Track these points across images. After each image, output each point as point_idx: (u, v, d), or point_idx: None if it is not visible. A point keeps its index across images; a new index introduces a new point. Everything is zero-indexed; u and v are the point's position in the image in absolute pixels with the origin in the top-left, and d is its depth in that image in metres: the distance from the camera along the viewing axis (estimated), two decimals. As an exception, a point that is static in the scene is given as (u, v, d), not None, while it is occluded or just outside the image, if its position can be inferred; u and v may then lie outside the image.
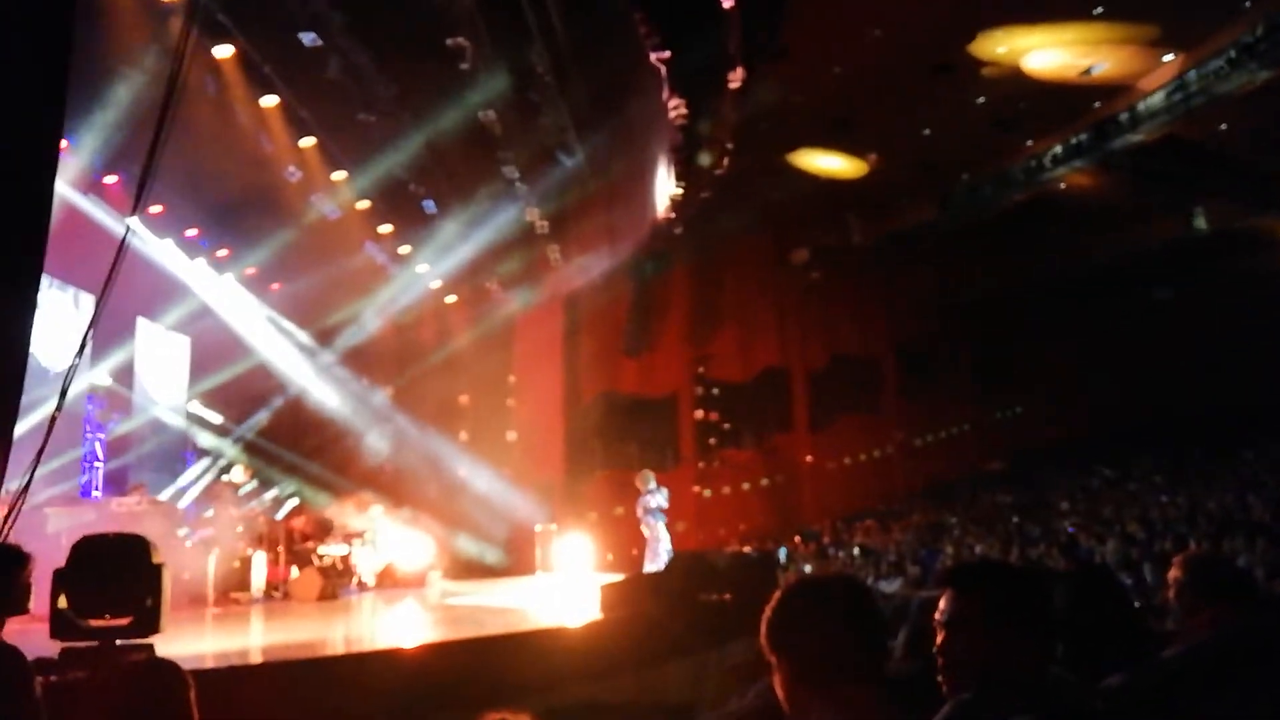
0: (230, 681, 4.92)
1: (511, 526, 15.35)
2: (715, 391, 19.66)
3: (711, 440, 19.67)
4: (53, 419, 4.59)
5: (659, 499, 11.97)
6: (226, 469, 12.92)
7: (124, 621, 4.18)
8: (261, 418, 14.97)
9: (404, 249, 15.29)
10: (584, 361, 18.19)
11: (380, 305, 15.56)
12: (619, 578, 9.31)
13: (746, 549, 16.46)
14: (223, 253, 13.95)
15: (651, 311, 18.95)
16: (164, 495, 12.34)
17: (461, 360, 16.90)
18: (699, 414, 19.67)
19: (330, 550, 12.29)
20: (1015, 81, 14.27)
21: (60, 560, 4.16)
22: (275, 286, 14.80)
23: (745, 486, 20.13)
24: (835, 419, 21.53)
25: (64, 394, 4.64)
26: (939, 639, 1.97)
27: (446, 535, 14.56)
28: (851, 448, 21.65)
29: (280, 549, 11.83)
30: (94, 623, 4.17)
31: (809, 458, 21.21)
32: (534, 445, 17.23)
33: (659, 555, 11.45)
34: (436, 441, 15.74)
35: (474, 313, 17.00)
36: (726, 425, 19.86)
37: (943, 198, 19.20)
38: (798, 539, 18.57)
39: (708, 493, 19.56)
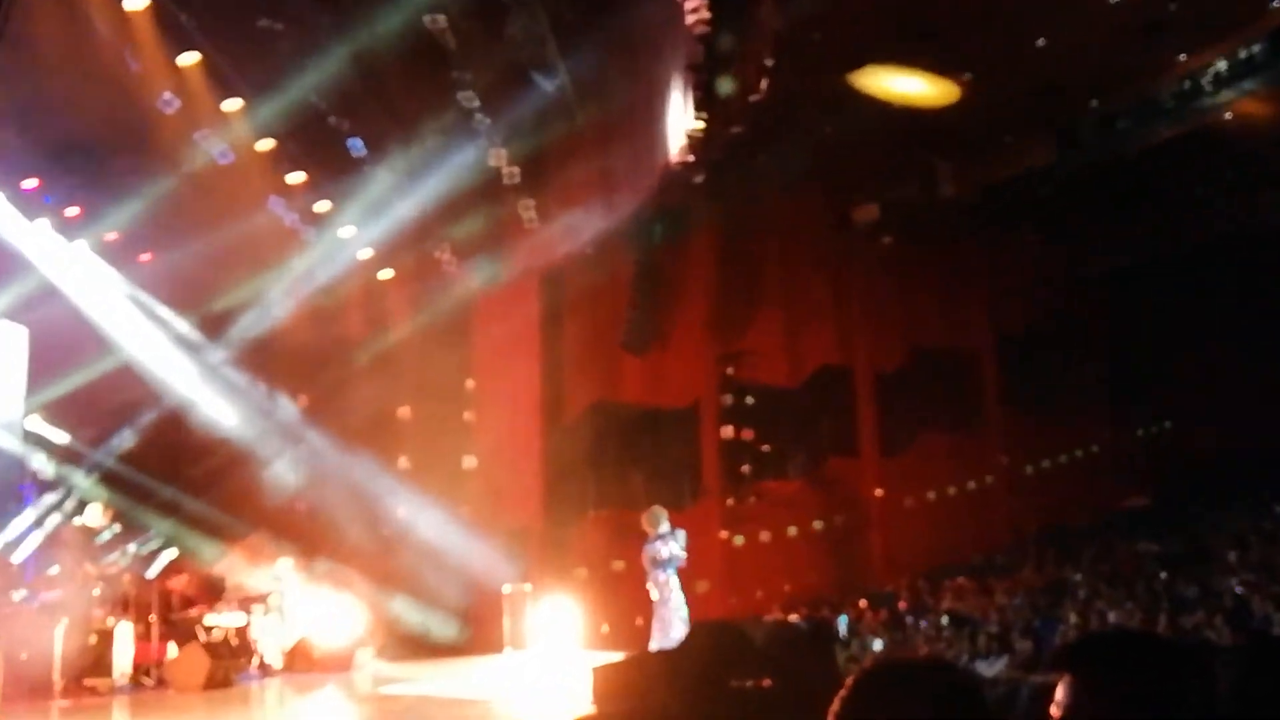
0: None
1: (470, 587, 15.55)
2: (750, 401, 19.68)
3: (745, 467, 19.65)
4: None
5: (673, 547, 11.97)
6: (78, 509, 12.94)
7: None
8: (126, 439, 15.05)
9: (322, 206, 15.44)
10: (570, 360, 18.32)
11: (290, 284, 15.70)
12: (618, 657, 9.29)
13: (793, 617, 16.00)
14: (73, 211, 13.94)
15: (662, 292, 19.01)
16: (-9, 544, 12.54)
17: (401, 359, 17.06)
18: (728, 431, 19.36)
19: (221, 620, 12.43)
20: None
21: None
22: (145, 258, 14.87)
23: (792, 531, 20.06)
24: (915, 438, 21.57)
25: None
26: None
27: (381, 599, 14.81)
28: (938, 478, 21.65)
29: (153, 618, 11.92)
30: None
31: (879, 491, 21.19)
32: (501, 475, 17.38)
33: (672, 626, 11.73)
34: (367, 470, 15.93)
35: (418, 293, 17.13)
36: (766, 447, 19.73)
37: (1064, 134, 19.21)
38: (864, 603, 18.49)
39: (740, 540, 19.50)
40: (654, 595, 12.15)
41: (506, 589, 15.44)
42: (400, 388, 17.27)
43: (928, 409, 21.69)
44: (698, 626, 9.62)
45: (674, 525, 12.30)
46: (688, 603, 12.28)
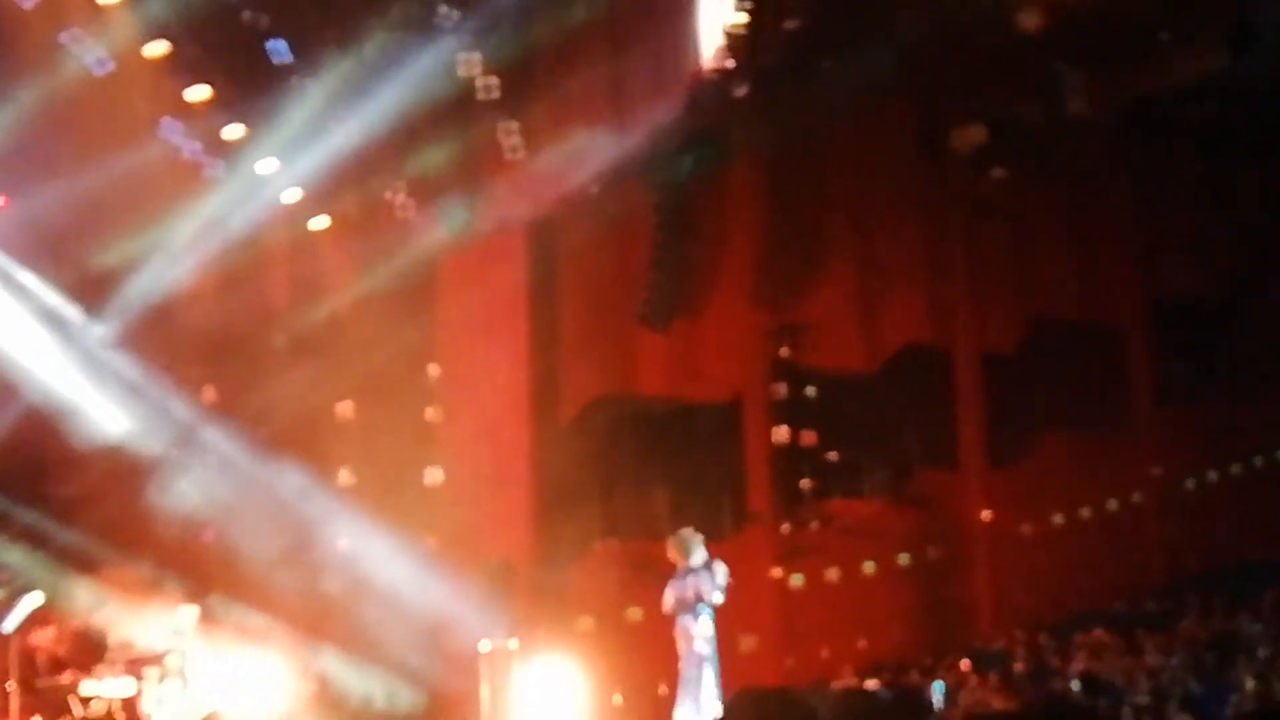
0: None
1: (435, 644, 15.61)
2: (811, 392, 19.64)
3: (805, 483, 19.62)
4: None
5: (708, 584, 12.17)
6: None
7: None
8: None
9: (233, 132, 15.49)
10: (568, 339, 18.41)
11: (192, 237, 15.77)
12: None
13: (871, 684, 16.26)
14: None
15: (693, 245, 19.03)
16: None
17: (341, 339, 17.22)
18: (782, 434, 19.38)
19: (102, 689, 12.49)
20: None
21: None
22: (-2, 203, 15.12)
23: (868, 568, 20.02)
24: (1036, 443, 21.60)
25: None
26: None
27: (315, 660, 14.98)
28: (1066, 496, 21.56)
29: (11, 686, 12.07)
30: None
31: (986, 515, 21.12)
32: (476, 493, 17.50)
33: (705, 694, 11.90)
34: (296, 488, 16.08)
35: (363, 250, 17.26)
36: (833, 455, 19.80)
37: (1239, 28, 19.07)
38: (966, 665, 18.33)
39: (798, 579, 19.46)
40: (683, 653, 12.19)
41: (484, 647, 15.45)
42: (340, 377, 17.39)
43: (1053, 404, 21.59)
44: (742, 697, 9.63)
45: (711, 556, 12.40)
46: (728, 664, 12.26)
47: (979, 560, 21.03)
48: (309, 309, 17.31)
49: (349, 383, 17.52)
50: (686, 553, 12.24)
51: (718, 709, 11.61)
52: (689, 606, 12.09)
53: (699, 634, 12.13)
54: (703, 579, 12.13)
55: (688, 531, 12.50)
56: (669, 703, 12.60)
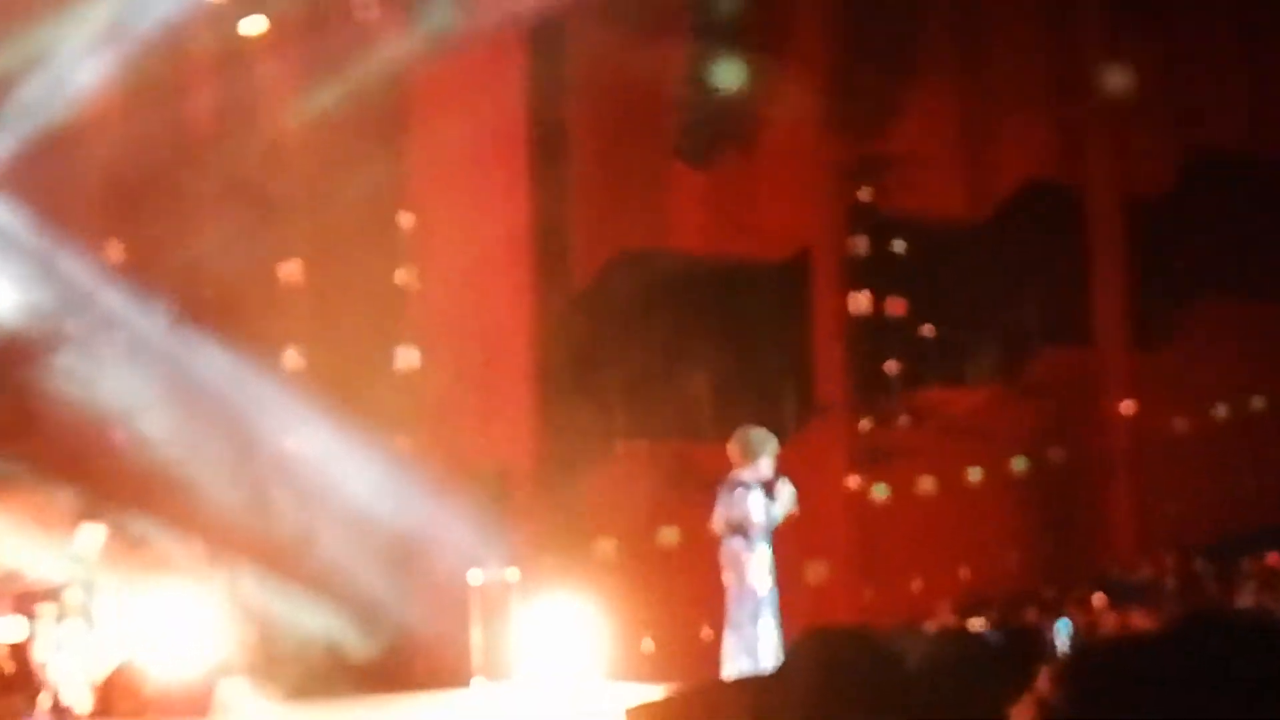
0: None
1: (413, 576, 16.01)
2: (900, 247, 19.81)
3: (891, 365, 19.77)
4: None
5: (763, 502, 12.22)
6: None
7: None
8: None
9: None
10: (581, 179, 18.45)
11: (90, 42, 15.72)
12: (665, 694, 9.38)
13: (976, 624, 16.43)
14: None
15: (745, 51, 18.84)
16: None
17: (285, 178, 17.28)
18: (861, 302, 19.66)
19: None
20: None
21: None
22: None
23: (973, 476, 20.17)
24: (1193, 313, 21.70)
25: None
26: None
27: (259, 596, 15.13)
28: (1230, 381, 21.63)
29: None
30: None
31: (1127, 405, 21.28)
32: (464, 380, 17.58)
33: (762, 638, 12.09)
34: (229, 373, 16.19)
35: (312, 60, 17.18)
36: (928, 329, 20.08)
37: None
38: (1099, 599, 18.59)
39: (882, 490, 19.66)
40: (733, 587, 12.27)
41: (475, 579, 15.75)
42: (285, 229, 17.36)
43: (1215, 263, 21.54)
44: (808, 640, 9.57)
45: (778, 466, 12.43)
46: (792, 599, 12.42)
47: (1117, 465, 21.16)
48: (243, 140, 17.24)
49: (296, 236, 17.45)
50: (752, 453, 12.33)
51: (777, 655, 11.69)
52: (744, 529, 12.20)
53: (754, 562, 12.21)
54: (759, 493, 12.25)
55: (759, 432, 12.57)
56: (714, 650, 12.73)
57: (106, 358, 15.78)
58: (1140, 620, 17.65)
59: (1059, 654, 16.15)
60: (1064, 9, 21.12)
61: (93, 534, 13.75)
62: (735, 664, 12.10)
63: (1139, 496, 21.10)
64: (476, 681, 15.39)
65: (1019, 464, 20.35)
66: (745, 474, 12.31)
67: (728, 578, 12.31)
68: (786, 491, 12.30)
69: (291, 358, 17.24)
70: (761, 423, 13.18)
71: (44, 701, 12.92)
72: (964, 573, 19.83)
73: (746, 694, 9.41)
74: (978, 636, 12.17)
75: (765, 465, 12.33)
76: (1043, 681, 5.02)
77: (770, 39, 19.17)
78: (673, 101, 18.47)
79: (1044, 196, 20.97)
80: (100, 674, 13.39)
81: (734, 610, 12.29)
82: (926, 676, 8.78)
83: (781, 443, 13.02)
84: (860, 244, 19.56)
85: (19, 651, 12.93)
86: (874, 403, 19.67)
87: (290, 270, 17.53)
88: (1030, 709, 4.17)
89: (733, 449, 12.42)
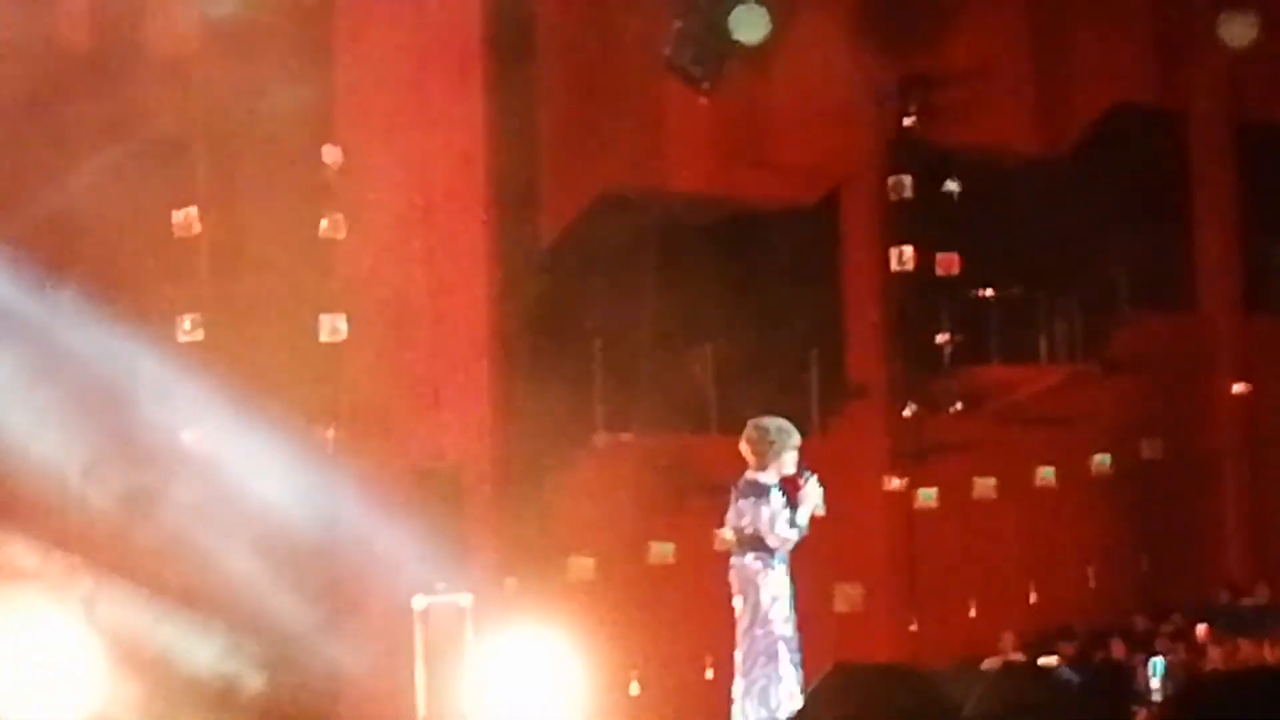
0: None
1: (342, 601, 16.21)
2: (954, 187, 19.66)
3: (942, 336, 19.64)
4: None
5: (784, 510, 12.09)
6: None
7: None
8: None
9: None
10: (553, 103, 18.38)
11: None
12: None
13: (1047, 660, 16.31)
14: None
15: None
16: None
17: (179, 100, 17.33)
18: (904, 257, 19.47)
19: None
20: None
21: None
22: None
23: (1043, 477, 20.00)
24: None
25: None
26: None
27: (143, 630, 15.15)
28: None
29: None
30: None
31: (1240, 387, 21.09)
32: (405, 357, 17.60)
33: (780, 678, 12.10)
34: (107, 345, 16.14)
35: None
36: (987, 292, 19.94)
37: None
38: (1202, 629, 18.61)
39: (929, 496, 19.45)
40: (744, 615, 12.22)
41: (419, 604, 15.70)
42: (178, 168, 17.33)
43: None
44: (835, 679, 9.45)
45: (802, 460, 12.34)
46: (818, 630, 12.65)
47: (1226, 461, 21.14)
48: (126, 60, 17.20)
49: (193, 178, 17.43)
50: (771, 453, 12.28)
51: (798, 699, 11.58)
52: (758, 541, 12.13)
53: (771, 585, 12.17)
54: (776, 515, 12.19)
55: (778, 423, 12.50)
56: (719, 693, 12.78)
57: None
58: (1253, 653, 17.56)
59: (1153, 697, 16.05)
60: None
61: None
62: (746, 711, 12.11)
63: (1254, 501, 21.08)
64: None
65: (1103, 461, 20.20)
66: (762, 475, 12.29)
67: (738, 604, 12.28)
68: (814, 493, 12.25)
69: (187, 328, 17.15)
70: (780, 411, 13.19)
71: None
72: (1033, 597, 19.75)
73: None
74: (1051, 674, 12.13)
75: (787, 463, 12.30)
76: None
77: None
78: (668, 2, 18.29)
79: (1136, 125, 21.02)
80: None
81: (745, 644, 12.27)
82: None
83: (805, 435, 12.99)
84: (904, 184, 19.36)
85: None
86: (921, 384, 19.69)
87: (186, 219, 17.38)
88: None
89: (746, 444, 12.38)
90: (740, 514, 12.28)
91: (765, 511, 12.17)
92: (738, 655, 12.27)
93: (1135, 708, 13.08)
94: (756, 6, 18.15)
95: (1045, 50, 20.52)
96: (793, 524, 12.19)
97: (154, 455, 16.47)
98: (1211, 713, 4.65)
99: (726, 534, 12.44)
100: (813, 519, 12.30)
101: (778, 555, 12.20)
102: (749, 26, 18.17)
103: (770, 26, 18.30)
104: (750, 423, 12.56)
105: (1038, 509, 19.98)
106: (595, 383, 18.29)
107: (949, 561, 19.53)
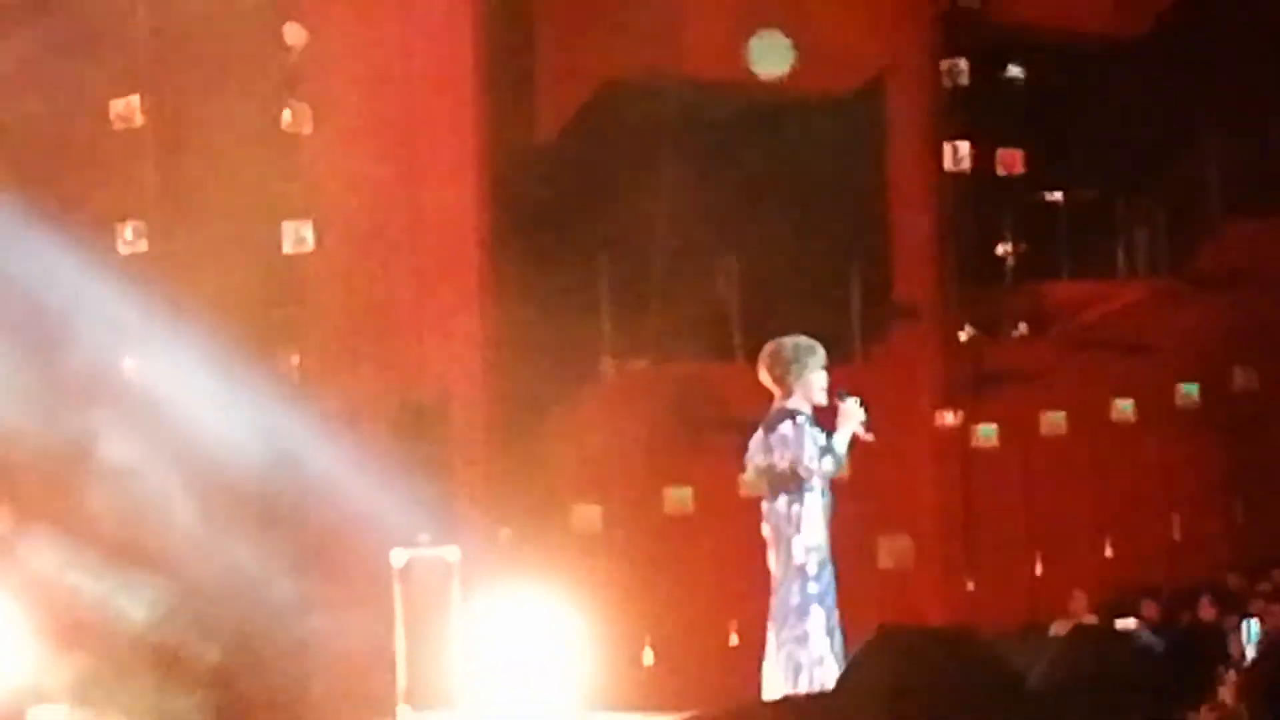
0: None
1: (310, 555, 16.30)
2: (1017, 73, 19.83)
3: (1004, 248, 19.79)
4: None
5: (817, 445, 12.26)
6: None
7: None
8: None
9: None
10: None
11: None
12: None
13: (1126, 623, 16.22)
14: None
15: None
16: None
17: None
18: (960, 154, 19.54)
19: None
20: None
21: None
22: None
23: (1121, 410, 20.15)
24: None
25: None
26: None
27: (81, 590, 15.29)
28: None
29: None
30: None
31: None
32: (380, 269, 17.74)
33: (814, 641, 12.22)
34: (39, 256, 16.21)
35: None
36: (1055, 196, 20.07)
37: None
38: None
39: (989, 433, 19.64)
40: (775, 569, 12.35)
41: (399, 560, 15.68)
42: (117, 53, 17.37)
43: None
44: (880, 643, 9.78)
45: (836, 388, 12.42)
46: (859, 588, 12.57)
47: None
48: None
49: (134, 60, 17.41)
50: (793, 376, 12.36)
51: (836, 666, 11.78)
52: (788, 483, 12.18)
53: (805, 535, 12.25)
54: (810, 434, 12.22)
55: (799, 341, 12.59)
56: (746, 660, 12.82)
57: None
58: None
59: (1247, 661, 16.27)
60: None
61: None
62: (778, 679, 12.16)
63: None
64: (401, 713, 15.36)
65: (1189, 392, 20.30)
66: (790, 402, 12.33)
67: (771, 557, 12.37)
68: (853, 414, 12.32)
69: (131, 236, 17.24)
70: (816, 334, 13.05)
71: None
72: (1108, 552, 19.85)
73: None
74: (1129, 640, 12.30)
75: (814, 387, 12.35)
76: (1227, 692, 5.02)
77: None
78: None
79: (1227, 0, 20.90)
80: None
81: (777, 603, 12.36)
82: (1052, 695, 8.85)
83: (846, 362, 13.22)
84: (959, 70, 19.48)
85: None
86: (979, 302, 19.82)
87: (126, 110, 17.45)
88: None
89: (763, 369, 12.49)
90: (768, 449, 12.27)
91: (796, 440, 12.17)
92: (770, 615, 12.29)
93: (1225, 671, 13.26)
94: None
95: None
96: (828, 451, 12.20)
97: (90, 386, 16.33)
98: None
99: (751, 476, 12.54)
100: (856, 452, 12.35)
101: (814, 499, 12.20)
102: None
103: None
104: (768, 344, 12.57)
105: (1114, 448, 20.09)
106: (602, 302, 18.44)
107: (1011, 510, 19.68)
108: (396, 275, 17.67)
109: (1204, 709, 6.45)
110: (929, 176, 19.59)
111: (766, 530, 12.32)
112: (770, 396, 12.42)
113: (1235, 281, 20.80)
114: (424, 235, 17.81)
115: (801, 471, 12.14)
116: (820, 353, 12.45)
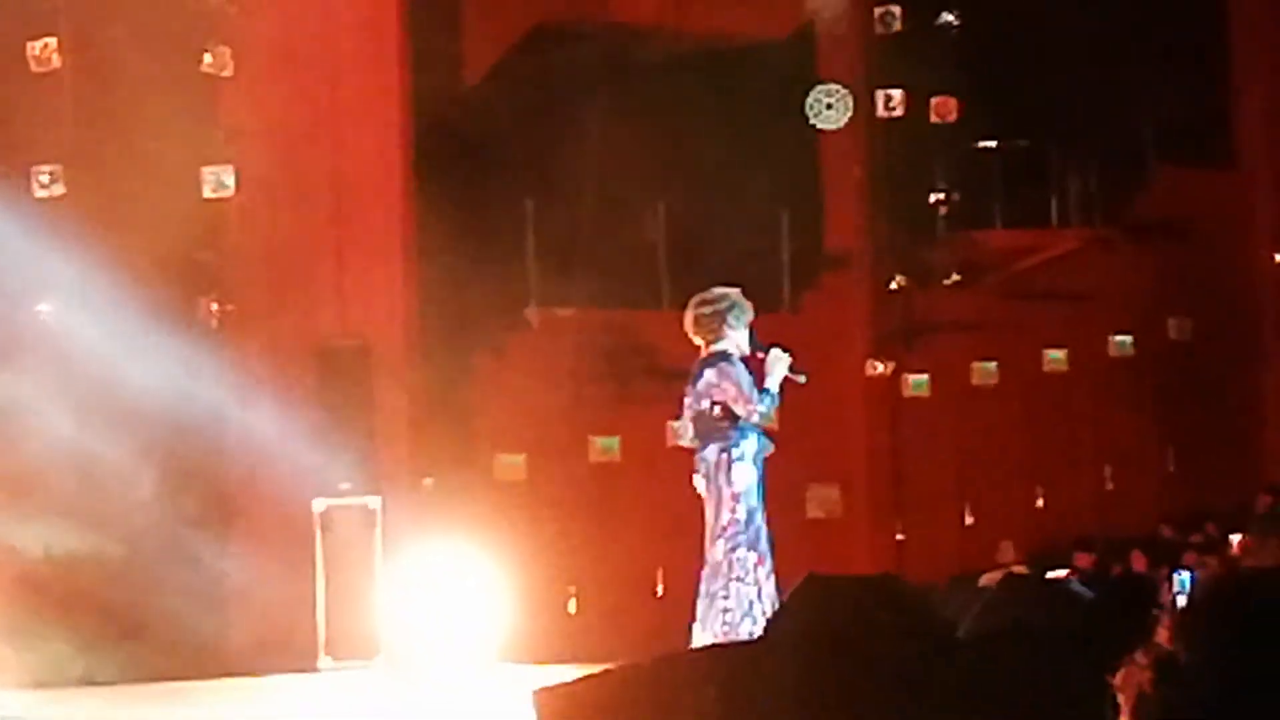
0: None
1: (223, 506, 16.34)
2: (948, 20, 19.56)
3: (936, 195, 19.56)
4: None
5: (750, 392, 12.26)
6: None
7: None
8: None
9: None
10: None
11: None
12: (595, 673, 9.43)
13: (1059, 573, 16.20)
14: None
15: None
16: None
17: None
18: (893, 102, 19.25)
19: None
20: None
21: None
22: None
23: (1054, 361, 20.16)
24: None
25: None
26: None
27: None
28: None
29: None
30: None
31: (1284, 257, 21.08)
32: (303, 215, 17.64)
33: (741, 590, 12.28)
34: None
35: None
36: (986, 142, 20.00)
37: None
38: (1237, 540, 18.22)
39: (920, 384, 19.60)
40: (708, 520, 12.32)
41: (319, 506, 15.99)
42: None
43: None
44: (807, 592, 9.71)
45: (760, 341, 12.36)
46: (791, 537, 12.62)
47: (1268, 343, 21.38)
48: None
49: (53, 6, 17.17)
50: (718, 330, 12.38)
51: (765, 613, 11.86)
52: (718, 433, 12.22)
53: (735, 483, 12.27)
54: (742, 381, 12.25)
55: (723, 293, 12.56)
56: (673, 609, 12.92)
57: None
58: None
59: (1164, 607, 16.18)
60: None
61: None
62: (709, 628, 12.23)
63: None
64: (323, 664, 15.57)
65: (1123, 343, 20.36)
66: (724, 350, 12.36)
67: (707, 508, 12.35)
68: (779, 360, 12.27)
69: (45, 181, 16.96)
70: (745, 282, 13.06)
71: None
72: (1039, 502, 19.98)
73: (715, 670, 9.34)
74: (1061, 588, 12.25)
75: (741, 334, 12.37)
76: (1163, 634, 4.89)
77: None
78: None
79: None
80: None
81: (709, 552, 12.37)
82: (984, 643, 8.76)
83: (772, 312, 13.38)
84: (890, 13, 19.23)
85: None
86: (911, 251, 19.80)
87: (44, 52, 17.20)
88: (1143, 674, 3.82)
89: (690, 323, 12.52)
90: (698, 395, 12.28)
91: (730, 376, 12.20)
92: (704, 565, 12.31)
93: (1158, 616, 13.35)
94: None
95: None
96: (764, 392, 12.23)
97: (5, 331, 16.40)
98: (1247, 612, 4.84)
99: (683, 426, 12.46)
100: (786, 401, 12.33)
101: (746, 446, 12.23)
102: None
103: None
104: (693, 299, 12.54)
105: (1046, 399, 20.19)
106: (527, 248, 18.39)
107: (942, 460, 19.75)
108: (318, 221, 17.57)
109: (1139, 654, 6.37)
110: (860, 123, 19.45)
111: (699, 480, 12.28)
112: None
113: (1169, 231, 20.93)
114: (346, 180, 17.69)
115: (739, 410, 12.13)
116: (747, 307, 12.42)
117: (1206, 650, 4.16)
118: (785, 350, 12.27)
